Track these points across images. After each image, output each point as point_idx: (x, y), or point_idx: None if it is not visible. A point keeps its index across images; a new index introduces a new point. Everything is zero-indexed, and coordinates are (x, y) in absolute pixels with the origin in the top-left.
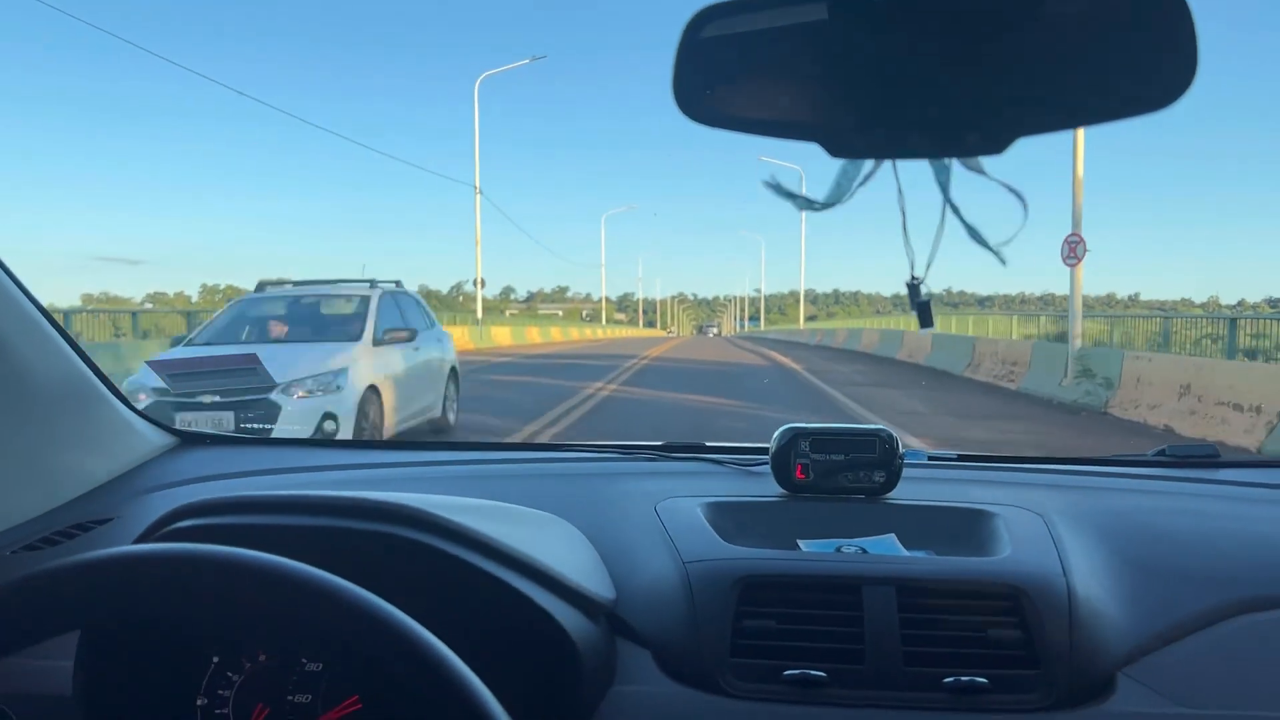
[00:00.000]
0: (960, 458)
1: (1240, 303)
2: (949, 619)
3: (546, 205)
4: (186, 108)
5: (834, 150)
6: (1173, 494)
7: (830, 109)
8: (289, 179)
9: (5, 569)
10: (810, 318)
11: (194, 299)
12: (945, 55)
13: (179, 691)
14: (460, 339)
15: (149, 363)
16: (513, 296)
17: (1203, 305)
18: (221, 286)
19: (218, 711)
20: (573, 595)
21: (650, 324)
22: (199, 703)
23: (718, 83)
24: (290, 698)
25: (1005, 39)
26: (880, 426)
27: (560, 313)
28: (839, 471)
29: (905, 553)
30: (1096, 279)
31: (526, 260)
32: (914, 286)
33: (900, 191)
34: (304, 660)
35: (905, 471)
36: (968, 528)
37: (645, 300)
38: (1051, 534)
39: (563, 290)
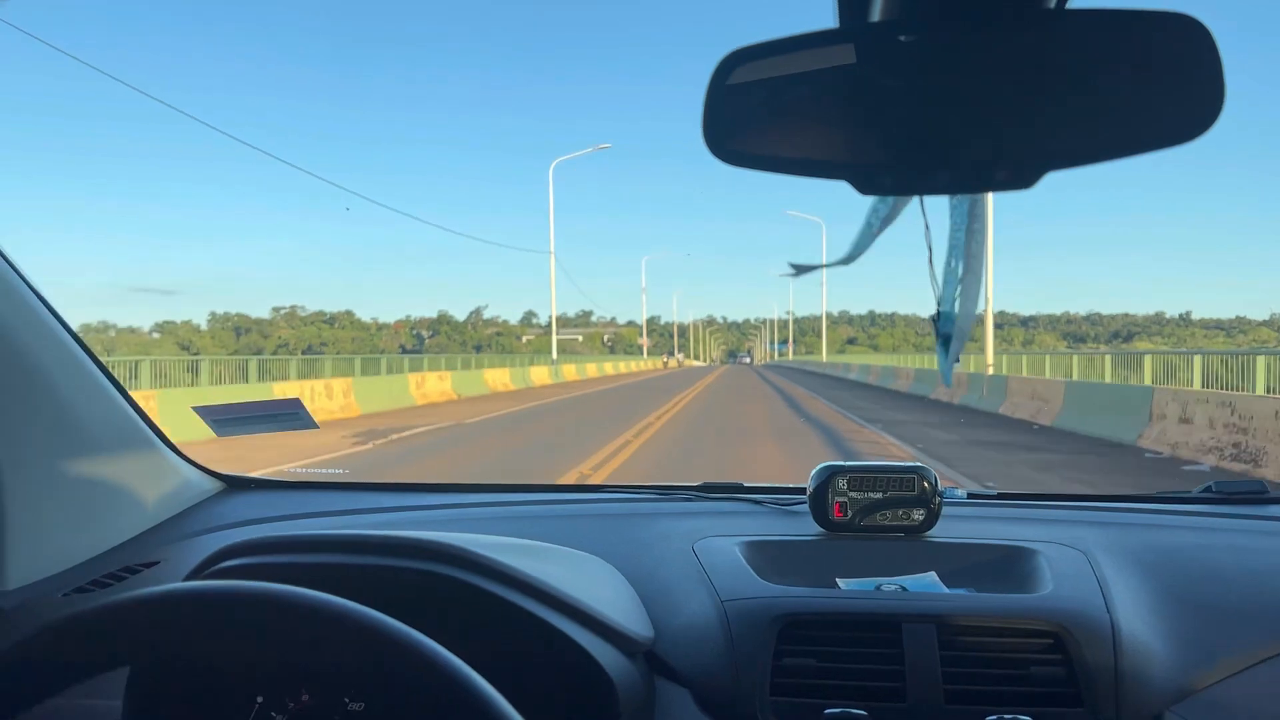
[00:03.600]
0: (1000, 496)
1: None
2: (991, 656)
3: (563, 227)
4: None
5: (863, 188)
6: (1219, 530)
7: (859, 148)
8: (311, 213)
9: (57, 612)
10: (850, 340)
11: (203, 327)
12: (972, 93)
13: None
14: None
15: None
16: (534, 321)
17: (1265, 322)
18: (232, 314)
19: None
20: (611, 634)
21: (669, 351)
22: None
23: (747, 125)
24: None
25: (1030, 75)
26: (918, 464)
27: (580, 338)
28: (877, 510)
29: (946, 590)
30: (1142, 300)
31: (548, 286)
32: (937, 318)
33: (927, 227)
34: (346, 700)
35: (945, 510)
36: (1009, 565)
37: (664, 323)
38: (1095, 571)
39: (587, 315)
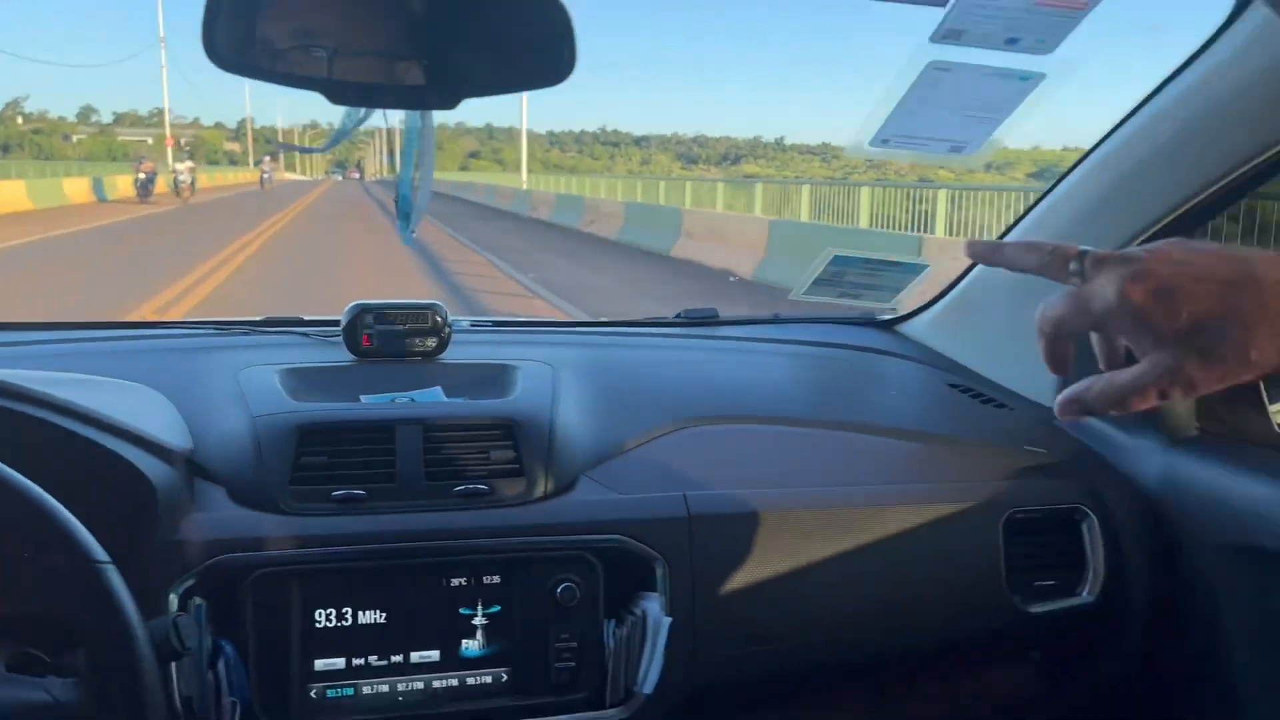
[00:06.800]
0: (498, 324)
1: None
2: (462, 446)
3: None
4: None
5: (333, 100)
6: (673, 348)
7: (329, 68)
8: None
9: None
10: (472, 154)
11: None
12: (411, 32)
13: None
14: None
15: None
16: (94, 119)
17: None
18: None
19: None
20: (151, 446)
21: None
22: None
23: (244, 36)
24: None
25: (444, 22)
26: (434, 302)
27: (150, 140)
28: (399, 339)
29: (445, 400)
30: (742, 125)
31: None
32: (397, 199)
33: (388, 129)
34: None
35: (455, 337)
36: (495, 379)
37: (263, 127)
38: (554, 380)
39: (160, 112)
